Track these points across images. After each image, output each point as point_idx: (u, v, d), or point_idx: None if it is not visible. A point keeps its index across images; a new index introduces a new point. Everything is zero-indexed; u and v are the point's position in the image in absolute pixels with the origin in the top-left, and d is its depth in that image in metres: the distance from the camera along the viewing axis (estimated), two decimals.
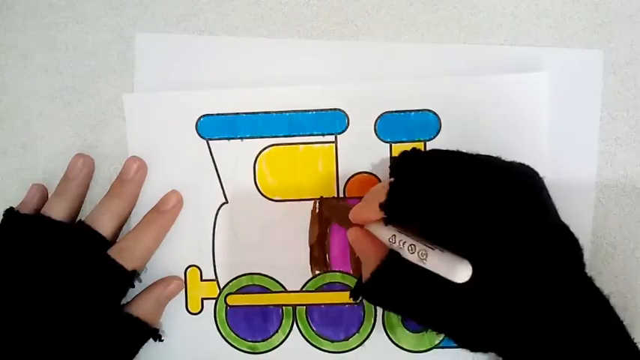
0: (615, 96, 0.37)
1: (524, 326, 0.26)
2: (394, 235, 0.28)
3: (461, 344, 0.28)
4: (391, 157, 0.37)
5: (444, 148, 0.30)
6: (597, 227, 0.37)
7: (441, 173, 0.28)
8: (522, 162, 0.30)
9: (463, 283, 0.25)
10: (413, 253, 0.27)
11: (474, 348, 0.28)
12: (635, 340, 0.27)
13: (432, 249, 0.26)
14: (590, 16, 0.37)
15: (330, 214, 0.37)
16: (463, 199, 0.27)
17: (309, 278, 0.38)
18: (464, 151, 0.30)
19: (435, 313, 0.27)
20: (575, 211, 0.36)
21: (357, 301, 0.32)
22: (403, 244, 0.27)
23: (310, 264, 0.38)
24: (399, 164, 0.31)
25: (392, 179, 0.30)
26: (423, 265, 0.26)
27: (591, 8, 0.37)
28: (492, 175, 0.28)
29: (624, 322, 0.27)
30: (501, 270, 0.26)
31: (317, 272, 0.38)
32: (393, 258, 0.28)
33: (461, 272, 0.25)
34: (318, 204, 0.38)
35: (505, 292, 0.26)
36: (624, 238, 0.37)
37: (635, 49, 0.37)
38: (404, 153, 0.31)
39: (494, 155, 0.30)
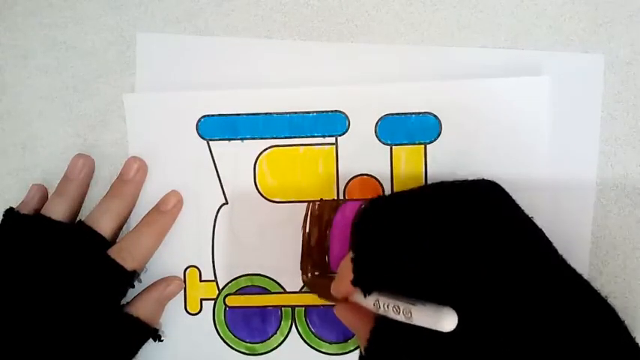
0: (615, 96, 0.37)
1: (527, 349, 0.26)
2: (377, 300, 0.28)
3: None
4: (391, 160, 0.37)
5: (394, 193, 0.31)
6: (597, 227, 0.37)
7: (397, 228, 0.28)
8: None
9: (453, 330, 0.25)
10: (398, 313, 0.27)
11: None
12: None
13: (415, 305, 0.26)
14: (590, 16, 0.37)
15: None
16: (424, 250, 0.27)
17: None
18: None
19: None
20: (575, 211, 0.37)
21: None
22: (387, 306, 0.27)
23: (304, 267, 0.38)
24: (354, 232, 0.30)
25: (352, 254, 0.30)
26: (411, 323, 0.26)
27: (591, 8, 0.37)
28: (448, 214, 0.28)
29: (624, 323, 0.27)
30: (484, 306, 0.26)
31: (309, 277, 0.38)
32: (380, 325, 0.28)
33: (447, 322, 0.25)
34: (311, 209, 0.38)
35: (495, 326, 0.26)
36: (624, 238, 0.37)
37: (635, 49, 0.37)
38: (358, 216, 0.31)
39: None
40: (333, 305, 0.38)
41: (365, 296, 0.29)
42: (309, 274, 0.38)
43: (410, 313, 0.26)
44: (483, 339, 0.25)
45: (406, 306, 0.26)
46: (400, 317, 0.27)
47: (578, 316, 0.26)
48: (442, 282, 0.26)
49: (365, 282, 0.29)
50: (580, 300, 0.26)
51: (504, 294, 0.26)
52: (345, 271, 0.30)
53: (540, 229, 0.28)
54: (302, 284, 0.38)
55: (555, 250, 0.28)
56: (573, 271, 0.27)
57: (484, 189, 0.29)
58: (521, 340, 0.25)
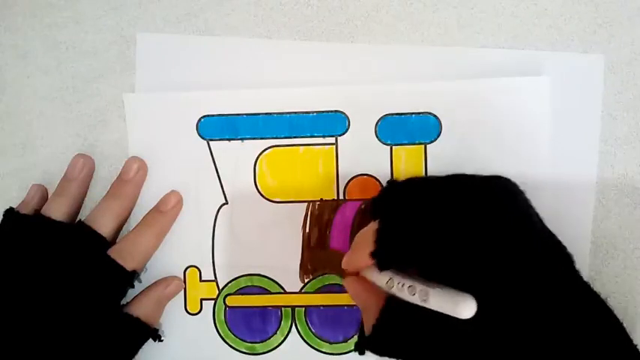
0: (615, 96, 0.37)
1: (536, 349, 0.26)
2: (391, 279, 0.28)
3: None
4: (391, 160, 0.37)
5: (419, 177, 0.30)
6: (597, 227, 0.37)
7: (423, 208, 0.28)
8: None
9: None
10: (414, 294, 0.26)
11: None
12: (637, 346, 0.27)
13: (432, 287, 0.25)
14: (590, 16, 0.37)
15: (320, 221, 0.37)
16: (451, 231, 0.26)
17: (308, 279, 0.38)
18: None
19: (445, 354, 0.27)
20: (575, 211, 0.37)
21: (362, 354, 0.31)
22: (402, 286, 0.27)
23: (304, 267, 0.38)
24: (380, 204, 0.30)
25: (377, 224, 0.29)
26: (426, 305, 0.25)
27: (591, 9, 0.37)
28: (473, 200, 0.27)
29: (624, 323, 0.27)
30: (503, 298, 0.25)
31: (309, 278, 0.38)
32: (391, 306, 0.28)
33: (466, 308, 0.24)
34: (311, 208, 0.37)
35: (511, 319, 0.25)
36: (624, 238, 0.37)
37: (635, 49, 0.37)
38: (383, 191, 0.30)
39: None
40: (334, 305, 0.38)
41: (381, 271, 0.28)
42: (311, 271, 0.38)
43: (427, 295, 0.25)
44: (494, 330, 0.25)
45: (423, 287, 0.26)
46: (414, 299, 0.26)
47: (583, 317, 0.26)
48: (460, 269, 0.26)
49: (386, 256, 0.28)
50: (584, 302, 0.27)
51: (519, 288, 0.25)
52: (362, 243, 0.29)
53: (554, 236, 0.28)
54: (302, 284, 0.38)
55: (565, 249, 0.28)
56: (577, 272, 0.27)
57: (503, 184, 0.29)
58: (528, 338, 0.25)
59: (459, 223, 0.27)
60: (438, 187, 0.29)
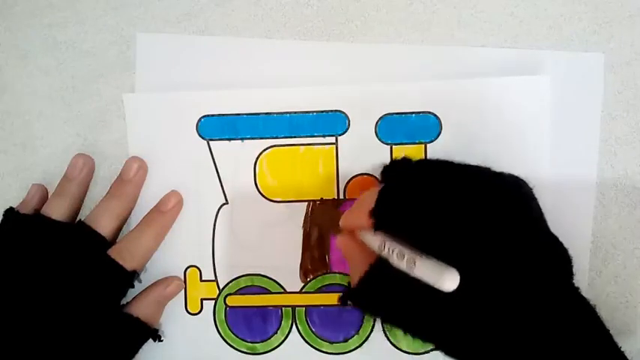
0: (615, 96, 0.37)
1: (510, 336, 0.26)
2: (384, 242, 0.28)
3: (448, 354, 0.28)
4: (391, 159, 0.37)
5: (435, 158, 0.31)
6: (597, 227, 0.37)
7: (431, 182, 0.28)
8: (513, 172, 0.30)
9: (451, 292, 0.25)
10: (402, 260, 0.27)
11: (462, 358, 0.28)
12: (622, 349, 0.27)
13: (421, 257, 0.26)
14: (590, 16, 0.37)
15: (320, 220, 0.37)
16: (452, 208, 0.27)
17: (308, 279, 0.38)
18: (459, 159, 0.30)
19: (422, 322, 0.27)
20: (575, 211, 0.37)
21: (346, 306, 0.31)
22: (392, 251, 0.27)
23: (304, 267, 0.38)
24: (389, 171, 0.31)
25: (381, 185, 0.30)
26: (411, 273, 0.26)
27: (591, 8, 0.37)
28: (481, 186, 0.28)
29: (624, 323, 0.27)
30: (488, 280, 0.26)
31: (309, 278, 0.38)
32: (381, 264, 0.28)
33: (448, 281, 0.25)
34: (311, 208, 0.38)
35: (492, 302, 0.26)
36: (624, 238, 0.37)
37: (635, 49, 0.37)
38: (394, 161, 0.31)
39: (485, 165, 0.30)
40: (334, 305, 0.38)
41: (375, 231, 0.29)
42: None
43: (414, 263, 0.26)
44: (474, 310, 0.25)
45: (412, 255, 0.26)
46: (402, 265, 0.26)
47: (565, 313, 0.26)
48: (451, 243, 0.26)
49: (384, 215, 0.28)
50: (569, 300, 0.27)
51: (506, 274, 0.26)
52: (364, 202, 0.30)
53: (557, 239, 0.28)
54: (302, 284, 0.38)
55: (566, 252, 0.28)
56: (576, 289, 0.28)
57: (518, 181, 0.30)
58: (505, 322, 0.25)
59: (458, 201, 0.27)
60: (449, 168, 0.30)
